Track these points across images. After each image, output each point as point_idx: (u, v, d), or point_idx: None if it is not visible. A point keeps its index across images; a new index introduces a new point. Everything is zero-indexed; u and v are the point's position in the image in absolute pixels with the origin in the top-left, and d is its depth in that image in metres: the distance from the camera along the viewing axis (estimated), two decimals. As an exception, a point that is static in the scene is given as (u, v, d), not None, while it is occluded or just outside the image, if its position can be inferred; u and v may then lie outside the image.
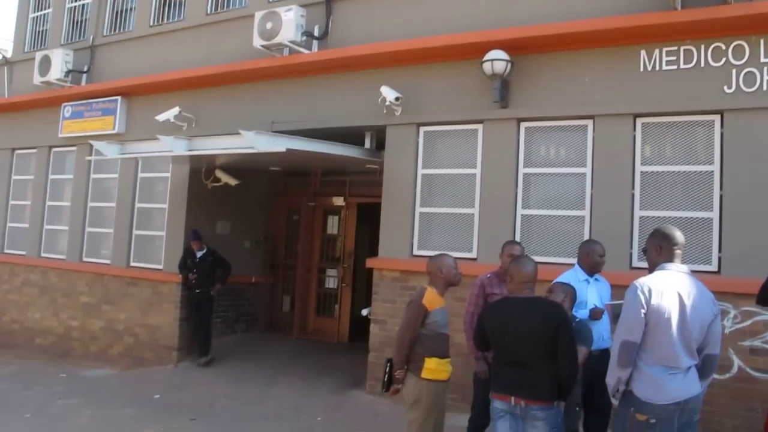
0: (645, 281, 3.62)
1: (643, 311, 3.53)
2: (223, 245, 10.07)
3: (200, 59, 9.81)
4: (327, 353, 10.01)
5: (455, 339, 5.34)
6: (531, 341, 3.97)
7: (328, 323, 11.05)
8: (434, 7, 7.94)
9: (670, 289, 3.57)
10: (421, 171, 7.94)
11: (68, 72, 11.39)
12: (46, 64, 11.44)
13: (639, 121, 6.69)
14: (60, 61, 11.29)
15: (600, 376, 4.22)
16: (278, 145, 7.35)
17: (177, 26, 10.53)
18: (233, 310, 10.78)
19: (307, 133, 8.41)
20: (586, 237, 6.61)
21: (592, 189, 6.84)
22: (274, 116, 9.00)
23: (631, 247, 6.56)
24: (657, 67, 6.54)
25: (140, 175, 10.70)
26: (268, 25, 8.66)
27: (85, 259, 11.31)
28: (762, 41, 6.13)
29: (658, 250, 3.75)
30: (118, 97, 10.86)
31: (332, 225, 11.31)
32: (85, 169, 11.37)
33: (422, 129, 7.96)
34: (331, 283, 11.13)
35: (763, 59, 6.12)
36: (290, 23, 8.51)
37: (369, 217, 10.22)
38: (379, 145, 8.50)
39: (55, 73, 11.29)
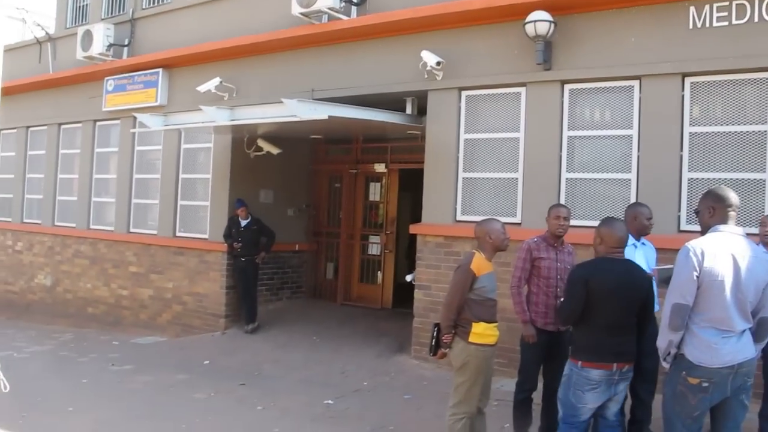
0: (697, 243, 3.56)
1: (695, 273, 3.48)
2: (267, 214, 10.18)
3: (239, 29, 9.80)
4: (371, 319, 10.11)
5: (501, 304, 5.34)
6: (635, 303, 4.15)
7: (371, 290, 11.14)
8: (475, -31, 7.79)
9: (723, 251, 3.50)
10: (463, 136, 7.87)
11: (110, 46, 11.53)
12: (88, 39, 11.59)
13: (688, 81, 6.50)
14: (101, 35, 11.42)
15: (647, 339, 4.22)
16: (321, 112, 7.35)
17: (215, -4, 10.52)
18: (278, 277, 10.92)
19: (348, 100, 8.38)
20: (633, 200, 6.49)
21: (638, 151, 6.71)
22: (314, 84, 8.98)
23: (679, 210, 6.45)
24: (707, 24, 6.32)
25: (183, 146, 10.82)
26: (306, -8, 8.61)
27: (132, 230, 11.55)
28: (819, -7, 5.88)
29: (711, 211, 3.67)
30: (159, 70, 10.96)
31: (374, 192, 11.32)
32: (130, 141, 11.55)
33: (464, 93, 7.87)
34: (374, 249, 11.18)
35: (819, 12, 5.88)
36: (329, -11, 8.44)
37: (411, 184, 10.20)
38: (421, 110, 8.45)
39: (97, 47, 11.43)
